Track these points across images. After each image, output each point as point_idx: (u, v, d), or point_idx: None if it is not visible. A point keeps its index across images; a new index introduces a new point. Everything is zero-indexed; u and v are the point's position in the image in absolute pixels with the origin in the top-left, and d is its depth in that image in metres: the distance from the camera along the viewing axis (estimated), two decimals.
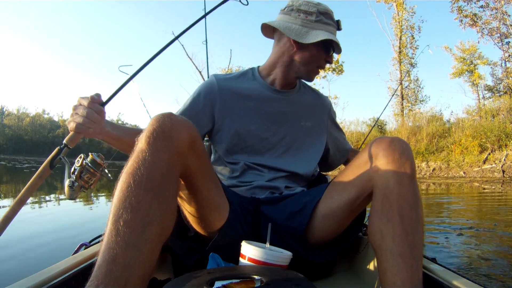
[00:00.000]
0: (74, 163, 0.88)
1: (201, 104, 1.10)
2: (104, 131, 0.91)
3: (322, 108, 1.21)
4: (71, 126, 0.86)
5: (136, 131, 0.92)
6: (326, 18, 1.04)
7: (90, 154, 0.91)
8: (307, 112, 1.17)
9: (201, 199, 0.80)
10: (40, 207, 3.67)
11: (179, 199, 0.82)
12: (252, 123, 1.11)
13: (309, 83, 1.23)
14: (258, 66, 1.18)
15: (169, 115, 0.69)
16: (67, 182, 0.88)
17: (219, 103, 1.10)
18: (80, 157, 0.89)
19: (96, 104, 0.87)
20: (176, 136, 0.66)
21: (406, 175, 0.71)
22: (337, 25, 1.07)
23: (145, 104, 2.07)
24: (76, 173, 0.86)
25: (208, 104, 1.10)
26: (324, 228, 0.90)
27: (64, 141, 0.87)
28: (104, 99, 0.88)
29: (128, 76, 1.21)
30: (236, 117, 1.10)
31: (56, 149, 0.85)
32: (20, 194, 0.83)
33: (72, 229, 2.21)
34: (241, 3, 1.15)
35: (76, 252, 0.91)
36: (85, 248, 0.92)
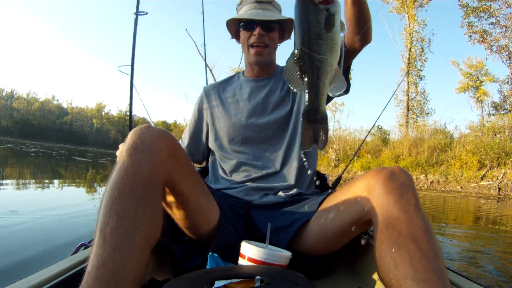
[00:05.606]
0: None
1: (197, 115, 1.29)
2: None
3: None
4: None
5: None
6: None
7: None
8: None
9: (188, 205, 0.82)
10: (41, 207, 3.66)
11: (167, 207, 0.84)
12: (236, 115, 1.17)
13: None
14: None
15: (147, 127, 0.72)
16: None
17: (207, 109, 1.26)
18: None
19: None
20: (156, 146, 0.69)
21: (410, 204, 0.68)
22: None
23: (147, 103, 2.10)
24: None
25: (201, 113, 1.29)
26: (315, 246, 0.90)
27: None
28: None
29: (128, 76, 1.41)
30: (221, 114, 1.21)
31: None
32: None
33: (72, 229, 2.20)
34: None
35: (75, 252, 0.90)
36: (84, 248, 0.92)
